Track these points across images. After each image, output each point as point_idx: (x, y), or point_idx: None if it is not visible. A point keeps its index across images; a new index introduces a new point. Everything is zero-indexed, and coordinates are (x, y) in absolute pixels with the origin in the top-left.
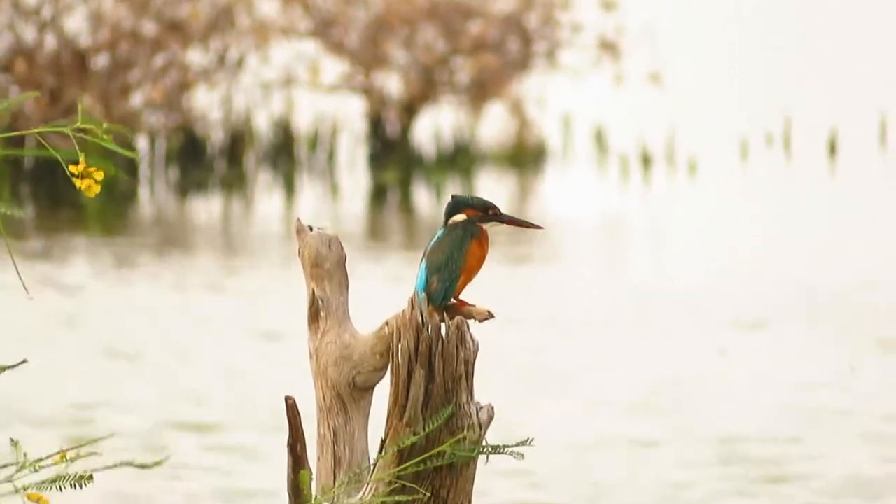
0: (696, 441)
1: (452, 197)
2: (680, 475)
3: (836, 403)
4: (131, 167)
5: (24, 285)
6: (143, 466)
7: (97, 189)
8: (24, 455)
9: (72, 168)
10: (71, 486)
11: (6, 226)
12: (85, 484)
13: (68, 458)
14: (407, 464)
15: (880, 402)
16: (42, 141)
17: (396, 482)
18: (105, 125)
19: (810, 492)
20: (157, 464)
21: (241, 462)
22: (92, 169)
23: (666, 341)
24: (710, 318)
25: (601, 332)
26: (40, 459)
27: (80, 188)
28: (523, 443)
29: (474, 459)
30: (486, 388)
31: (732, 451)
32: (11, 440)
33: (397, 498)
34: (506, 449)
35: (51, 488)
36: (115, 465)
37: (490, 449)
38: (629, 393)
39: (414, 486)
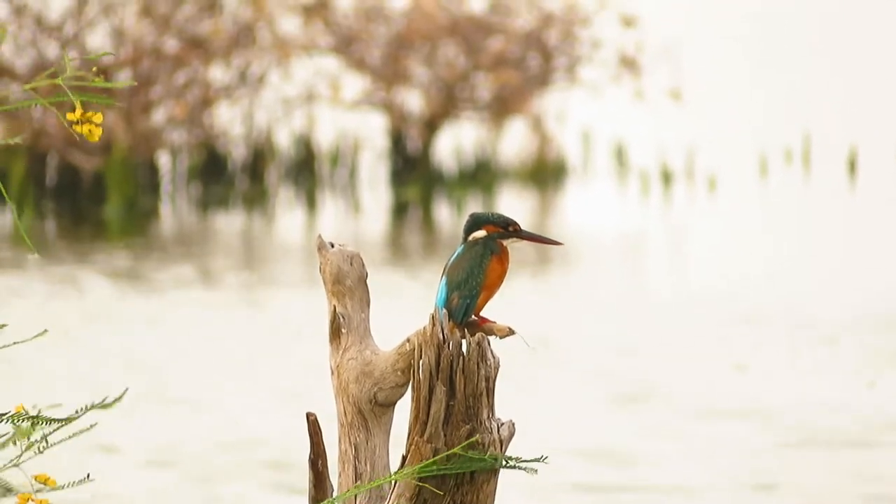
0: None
1: (471, 215)
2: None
3: (851, 425)
4: (153, 184)
5: (28, 243)
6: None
7: (99, 132)
8: (28, 438)
9: (69, 116)
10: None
11: (28, 238)
12: None
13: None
14: (427, 474)
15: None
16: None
17: (417, 498)
18: (95, 68)
19: None
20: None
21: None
22: (90, 114)
23: (685, 358)
24: (728, 333)
25: (624, 346)
26: (39, 440)
27: (82, 133)
28: (538, 459)
29: (495, 475)
30: (507, 404)
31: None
32: (13, 421)
33: None
34: (520, 463)
35: None
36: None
37: (504, 462)
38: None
39: (435, 491)
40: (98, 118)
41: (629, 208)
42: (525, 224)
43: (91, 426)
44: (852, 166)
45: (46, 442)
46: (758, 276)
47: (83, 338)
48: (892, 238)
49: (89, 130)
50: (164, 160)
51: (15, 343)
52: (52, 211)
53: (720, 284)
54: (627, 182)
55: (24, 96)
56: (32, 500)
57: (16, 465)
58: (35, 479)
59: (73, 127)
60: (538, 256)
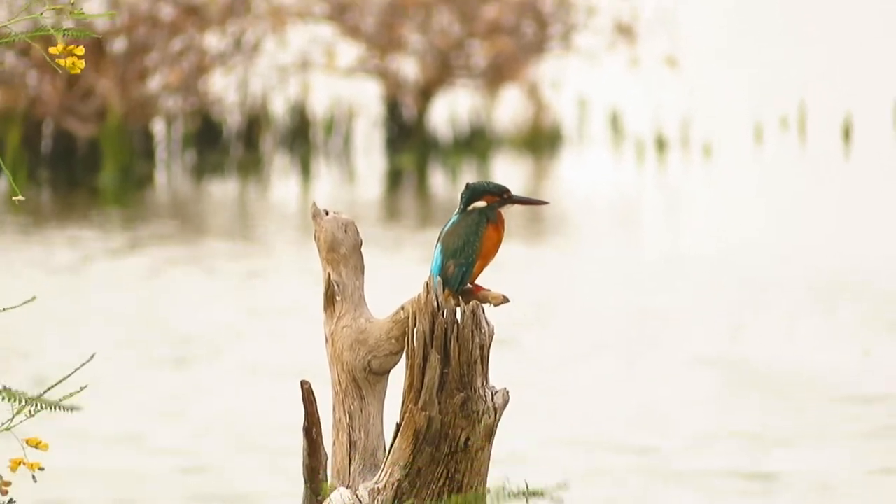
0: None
1: (468, 185)
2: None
3: (855, 390)
4: (148, 151)
5: (14, 188)
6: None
7: (81, 64)
8: (19, 402)
9: (52, 50)
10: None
11: (20, 207)
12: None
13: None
14: (422, 448)
15: (880, 387)
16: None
17: (411, 466)
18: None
19: None
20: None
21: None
22: (71, 46)
23: (682, 323)
24: (724, 300)
25: (618, 313)
26: (34, 399)
27: (65, 66)
28: (562, 486)
29: (489, 443)
30: (501, 372)
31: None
32: (3, 388)
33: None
34: (544, 492)
35: None
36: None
37: (527, 492)
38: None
39: (430, 459)
40: (80, 51)
41: (625, 175)
42: (521, 191)
43: (82, 387)
44: (847, 134)
45: (37, 406)
46: (752, 243)
47: (75, 305)
48: (887, 205)
49: (72, 63)
50: (159, 127)
51: (4, 309)
52: (47, 179)
53: (715, 251)
54: (623, 149)
55: (19, 63)
56: (24, 464)
57: (7, 430)
58: (27, 444)
59: (56, 61)
60: (533, 225)
